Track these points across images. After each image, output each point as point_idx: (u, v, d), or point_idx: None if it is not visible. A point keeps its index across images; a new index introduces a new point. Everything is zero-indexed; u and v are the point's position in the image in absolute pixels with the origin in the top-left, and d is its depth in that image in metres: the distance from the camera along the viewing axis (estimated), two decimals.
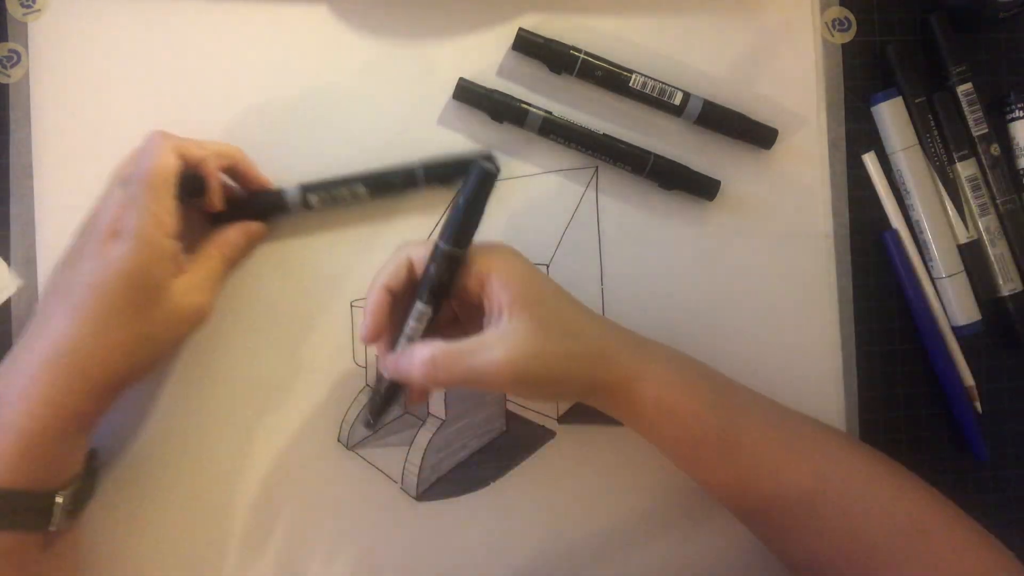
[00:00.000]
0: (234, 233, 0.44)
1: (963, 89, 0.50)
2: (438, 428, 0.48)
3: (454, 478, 0.48)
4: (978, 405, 0.50)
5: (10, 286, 0.46)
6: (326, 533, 0.47)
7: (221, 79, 0.47)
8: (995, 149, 0.50)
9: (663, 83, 0.48)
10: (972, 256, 0.50)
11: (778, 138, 0.49)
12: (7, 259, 0.46)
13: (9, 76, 0.46)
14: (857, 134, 0.51)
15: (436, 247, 0.38)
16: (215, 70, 0.47)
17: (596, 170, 0.49)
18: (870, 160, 0.51)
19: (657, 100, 0.48)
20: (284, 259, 0.47)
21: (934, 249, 0.50)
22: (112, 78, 0.46)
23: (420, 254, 0.39)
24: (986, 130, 0.50)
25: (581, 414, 0.49)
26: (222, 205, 0.43)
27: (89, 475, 0.41)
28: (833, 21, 0.50)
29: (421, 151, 0.47)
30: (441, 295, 0.38)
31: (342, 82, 0.48)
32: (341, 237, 0.47)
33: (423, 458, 0.47)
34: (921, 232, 0.50)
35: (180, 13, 0.47)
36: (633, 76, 0.48)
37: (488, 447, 0.48)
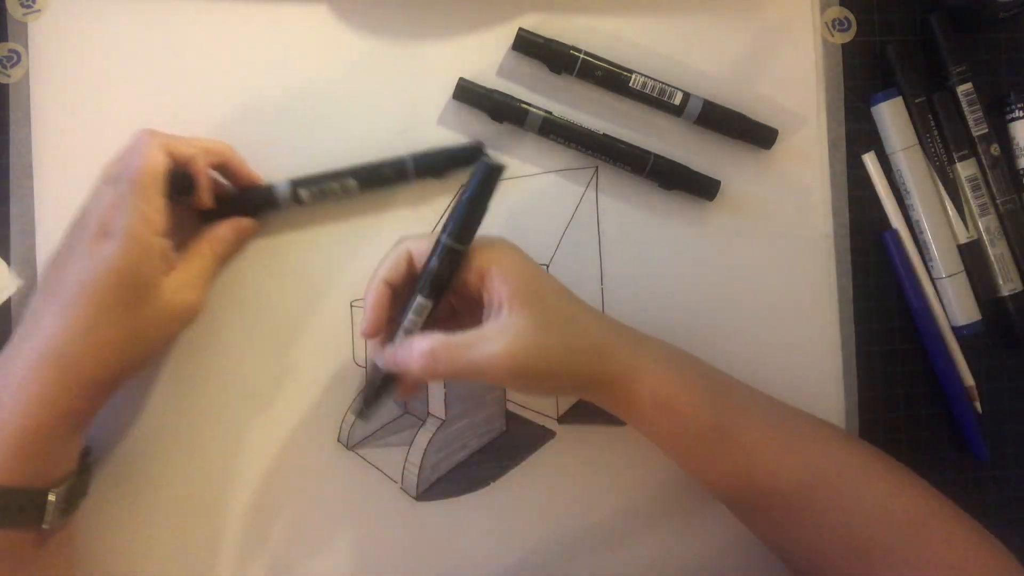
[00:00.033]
0: (224, 229, 0.44)
1: (963, 89, 0.50)
2: (438, 428, 0.48)
3: (454, 478, 0.48)
4: (978, 405, 0.50)
5: (10, 286, 0.46)
6: (326, 533, 0.47)
7: (221, 79, 0.47)
8: (995, 149, 0.50)
9: (663, 83, 0.48)
10: (972, 256, 0.50)
11: (778, 138, 0.49)
12: (7, 259, 0.46)
13: (9, 76, 0.46)
14: (857, 134, 0.51)
15: (439, 242, 0.38)
16: (215, 70, 0.47)
17: (596, 170, 0.49)
18: (870, 160, 0.51)
19: (657, 100, 0.48)
20: (279, 257, 0.47)
21: (934, 249, 0.50)
22: (112, 78, 0.46)
23: (420, 248, 0.39)
24: (986, 130, 0.50)
25: (581, 414, 0.49)
26: (211, 202, 0.43)
27: (83, 473, 0.41)
28: (833, 21, 0.50)
29: None
30: (441, 289, 0.38)
31: (342, 82, 0.48)
32: (335, 233, 0.47)
33: (423, 458, 0.47)
34: (921, 232, 0.50)
35: (180, 13, 0.47)
36: (633, 76, 0.48)
37: (488, 447, 0.48)
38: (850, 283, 0.50)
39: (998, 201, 0.51)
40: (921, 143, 0.50)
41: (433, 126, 0.48)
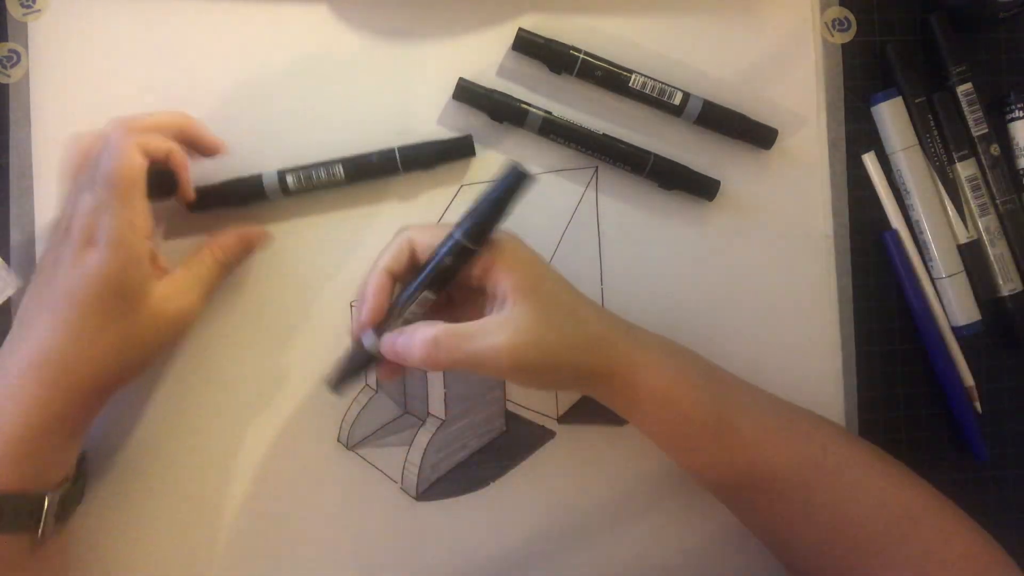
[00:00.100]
0: (229, 237, 0.44)
1: (963, 89, 0.50)
2: (438, 428, 0.48)
3: (454, 478, 0.48)
4: (978, 405, 0.50)
5: (10, 286, 0.46)
6: (326, 533, 0.47)
7: (221, 79, 0.47)
8: (995, 149, 0.50)
9: (663, 83, 0.48)
10: (972, 256, 0.50)
11: (778, 138, 0.49)
12: (7, 259, 0.46)
13: (9, 76, 0.46)
14: (857, 134, 0.51)
15: (452, 237, 0.38)
16: (215, 70, 0.47)
17: (596, 170, 0.49)
18: (870, 160, 0.51)
19: (657, 100, 0.48)
20: (275, 256, 0.47)
21: (934, 249, 0.50)
22: (112, 78, 0.46)
23: (425, 238, 0.39)
24: (986, 130, 0.50)
25: (581, 414, 0.49)
26: (194, 196, 0.43)
27: (78, 479, 0.40)
28: (833, 21, 0.50)
29: None
30: (446, 283, 0.38)
31: (342, 82, 0.48)
32: (325, 227, 0.47)
33: (423, 458, 0.47)
34: (921, 232, 0.50)
35: (180, 13, 0.47)
36: (633, 76, 0.48)
37: (488, 447, 0.48)
38: (850, 283, 0.50)
39: (998, 201, 0.51)
40: (921, 143, 0.50)
41: (433, 126, 0.48)
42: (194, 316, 0.41)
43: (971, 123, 0.50)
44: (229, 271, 0.44)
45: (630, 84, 0.48)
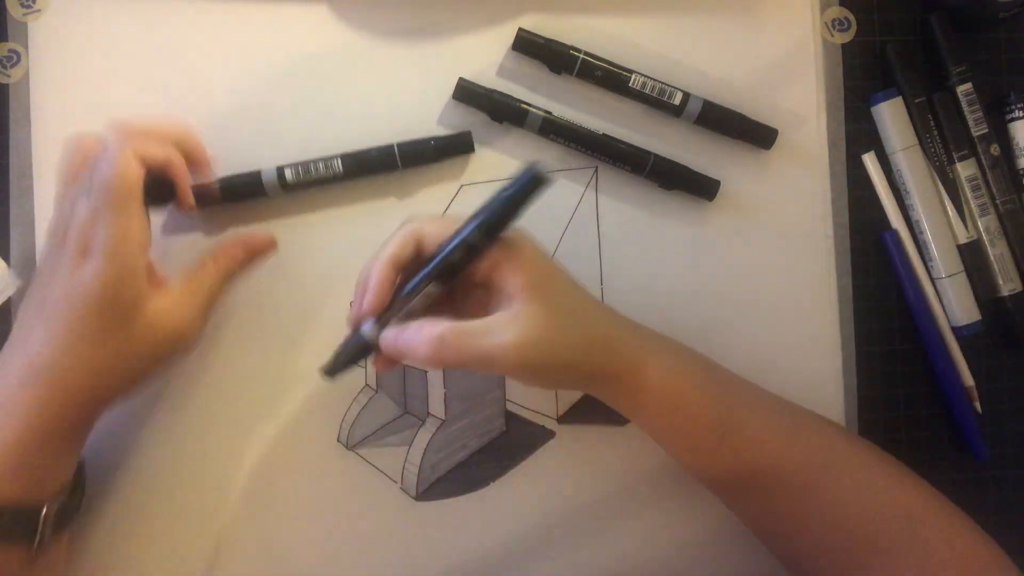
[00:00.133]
0: (233, 246, 0.43)
1: (963, 89, 0.50)
2: (438, 428, 0.48)
3: (454, 478, 0.48)
4: (978, 405, 0.50)
5: (10, 286, 0.46)
6: (326, 533, 0.47)
7: (221, 79, 0.47)
8: (995, 149, 0.50)
9: (663, 83, 0.48)
10: (972, 256, 0.50)
11: (778, 138, 0.49)
12: (7, 259, 0.46)
13: (9, 76, 0.46)
14: (857, 134, 0.51)
15: (464, 231, 0.37)
16: (215, 70, 0.47)
17: (596, 170, 0.49)
18: (870, 160, 0.51)
19: (657, 100, 0.48)
20: (277, 257, 0.47)
21: (934, 249, 0.50)
22: (112, 78, 0.46)
23: (433, 230, 0.38)
24: (986, 130, 0.50)
25: (581, 414, 0.49)
26: (194, 203, 0.42)
27: (77, 487, 0.40)
28: (833, 21, 0.50)
29: None
30: (452, 277, 0.38)
31: (342, 82, 0.48)
32: (331, 230, 0.47)
33: (423, 458, 0.47)
34: (921, 232, 0.50)
35: (180, 13, 0.47)
36: (633, 76, 0.48)
37: (488, 447, 0.48)
38: (850, 283, 0.50)
39: (998, 201, 0.51)
40: (921, 143, 0.50)
41: (433, 126, 0.48)
42: (194, 332, 0.40)
43: (971, 123, 0.50)
44: (232, 281, 0.43)
45: (630, 84, 0.48)
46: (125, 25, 0.46)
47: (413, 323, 0.37)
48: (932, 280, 0.50)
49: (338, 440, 0.47)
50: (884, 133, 0.50)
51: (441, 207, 0.48)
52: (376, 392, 0.48)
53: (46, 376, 0.36)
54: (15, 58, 0.46)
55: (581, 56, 0.47)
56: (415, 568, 0.47)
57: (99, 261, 0.36)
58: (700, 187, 0.49)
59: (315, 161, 0.45)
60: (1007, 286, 0.50)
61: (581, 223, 0.49)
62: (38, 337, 0.37)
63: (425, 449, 0.47)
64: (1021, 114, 0.50)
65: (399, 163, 0.46)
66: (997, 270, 0.50)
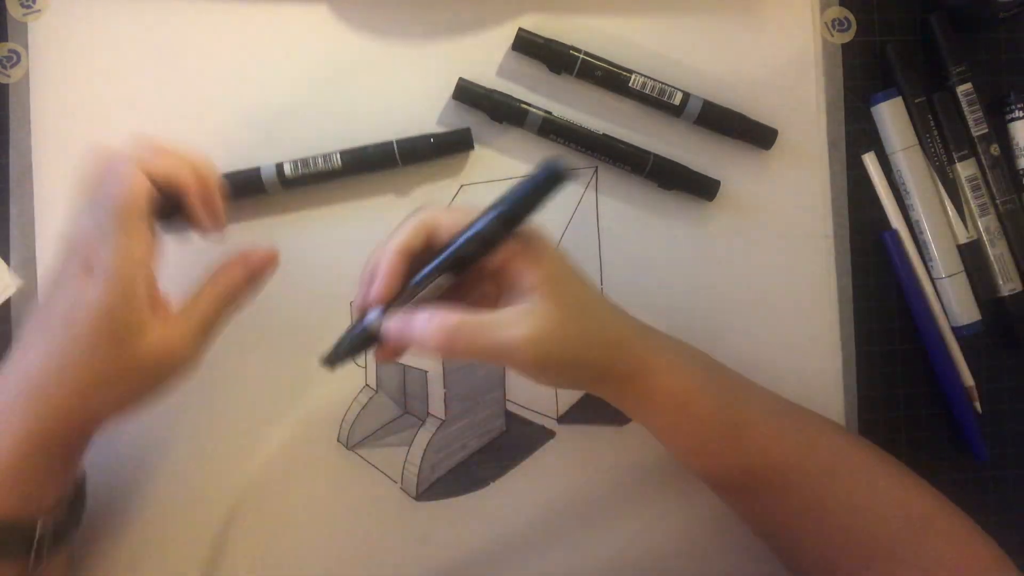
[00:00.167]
0: (233, 268, 0.40)
1: (963, 89, 0.50)
2: (438, 428, 0.48)
3: (454, 478, 0.48)
4: (978, 405, 0.50)
5: (10, 286, 0.46)
6: (326, 533, 0.47)
7: (221, 79, 0.47)
8: (995, 149, 0.50)
9: (663, 83, 0.48)
10: (972, 256, 0.50)
11: (778, 138, 0.49)
12: (7, 259, 0.46)
13: (9, 76, 0.46)
14: (857, 134, 0.51)
15: (482, 221, 0.36)
16: (215, 70, 0.47)
17: (596, 170, 0.49)
18: (870, 160, 0.51)
19: (657, 100, 0.48)
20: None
21: (934, 249, 0.50)
22: (112, 78, 0.46)
23: (447, 220, 0.37)
24: (986, 130, 0.50)
25: (581, 414, 0.49)
26: (214, 224, 0.40)
27: (76, 502, 0.40)
28: (833, 21, 0.50)
29: None
30: (465, 267, 0.37)
31: (342, 82, 0.48)
32: (330, 228, 0.47)
33: (423, 458, 0.47)
34: (921, 232, 0.50)
35: (180, 13, 0.47)
36: (633, 76, 0.48)
37: (488, 447, 0.48)
38: (850, 283, 0.50)
39: (998, 201, 0.51)
40: (921, 143, 0.50)
41: (433, 126, 0.48)
42: (188, 361, 0.38)
43: (971, 123, 0.50)
44: (236, 305, 0.40)
45: (630, 84, 0.48)
46: (125, 25, 0.46)
47: (423, 311, 0.36)
48: (932, 280, 0.50)
49: (338, 440, 0.47)
50: (884, 133, 0.50)
51: (441, 205, 0.48)
52: (376, 392, 0.48)
53: (39, 391, 0.35)
54: (15, 58, 0.46)
55: (581, 56, 0.47)
56: (415, 568, 0.47)
57: (99, 282, 0.35)
58: (700, 187, 0.49)
59: (314, 156, 0.45)
60: (1007, 286, 0.50)
61: (581, 223, 0.49)
62: (36, 352, 0.36)
63: (425, 449, 0.47)
64: (1021, 114, 0.50)
65: (398, 159, 0.46)
66: (997, 270, 0.50)
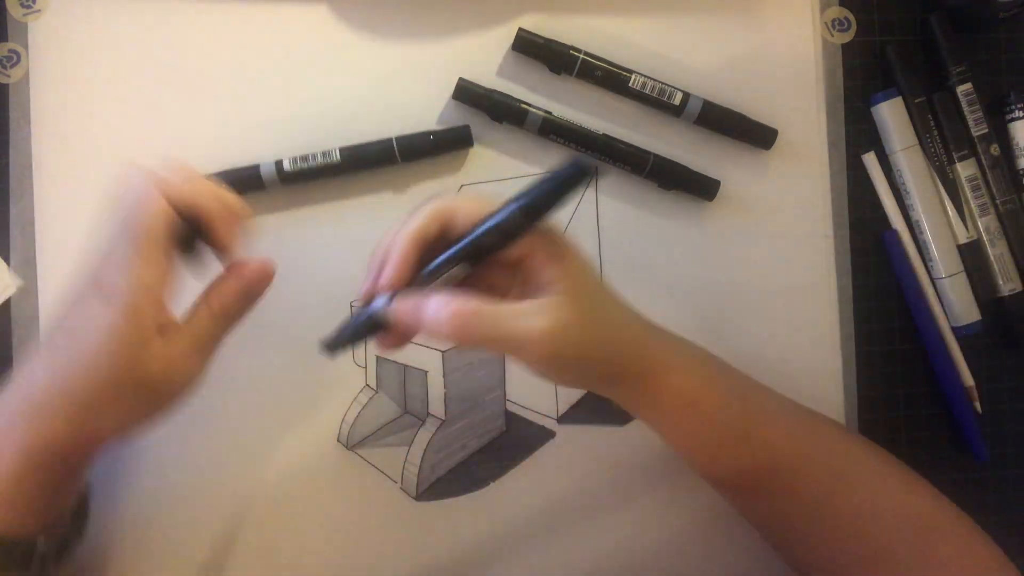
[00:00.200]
0: (228, 283, 0.39)
1: (963, 89, 0.50)
2: (438, 428, 0.48)
3: (454, 478, 0.48)
4: (978, 405, 0.50)
5: (10, 286, 0.46)
6: (326, 533, 0.47)
7: (221, 79, 0.47)
8: (995, 149, 0.50)
9: (663, 83, 0.48)
10: (972, 256, 0.50)
11: (778, 138, 0.49)
12: (7, 259, 0.46)
13: (9, 76, 0.46)
14: (857, 134, 0.51)
15: (505, 211, 0.35)
16: (215, 70, 0.47)
17: (596, 170, 0.49)
18: (870, 160, 0.51)
19: (657, 100, 0.48)
20: (273, 251, 0.46)
21: (934, 249, 0.50)
22: (112, 78, 0.46)
23: (466, 209, 0.37)
24: (986, 130, 0.50)
25: (581, 414, 0.49)
26: (236, 248, 0.38)
27: (79, 518, 0.40)
28: (833, 21, 0.50)
29: None
30: (482, 258, 0.36)
31: (342, 82, 0.48)
32: (330, 225, 0.47)
33: (423, 458, 0.47)
34: (921, 232, 0.50)
35: (180, 13, 0.47)
36: (633, 76, 0.48)
37: (488, 447, 0.48)
38: (850, 283, 0.50)
39: (998, 201, 0.51)
40: (921, 143, 0.50)
41: (433, 126, 0.48)
42: (195, 383, 0.38)
43: (971, 123, 0.50)
44: (234, 322, 0.39)
45: (630, 84, 0.48)
46: (125, 25, 0.46)
47: (436, 295, 0.35)
48: (932, 280, 0.50)
49: (338, 440, 0.47)
50: (884, 133, 0.50)
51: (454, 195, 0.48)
52: (376, 392, 0.48)
53: (40, 409, 0.35)
54: (15, 58, 0.46)
55: (581, 56, 0.47)
56: (415, 568, 0.47)
57: (110, 308, 0.34)
58: (700, 187, 0.49)
59: (313, 152, 0.45)
60: (1007, 286, 0.50)
61: (581, 223, 0.49)
62: (39, 371, 0.36)
63: (425, 449, 0.47)
64: (1021, 114, 0.50)
65: (397, 156, 0.46)
66: (997, 270, 0.50)
